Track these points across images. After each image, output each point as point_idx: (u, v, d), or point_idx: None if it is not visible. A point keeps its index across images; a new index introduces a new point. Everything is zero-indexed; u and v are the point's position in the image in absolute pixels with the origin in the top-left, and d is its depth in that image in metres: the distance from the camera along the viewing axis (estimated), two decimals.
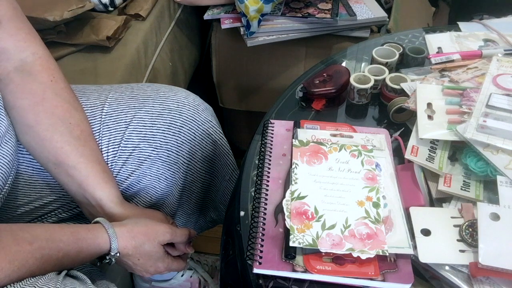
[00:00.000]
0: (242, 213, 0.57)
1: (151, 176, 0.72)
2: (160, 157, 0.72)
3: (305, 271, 0.49)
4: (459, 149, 0.59)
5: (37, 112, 0.63)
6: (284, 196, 0.55)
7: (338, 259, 0.50)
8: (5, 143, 0.61)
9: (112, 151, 0.70)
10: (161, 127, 0.71)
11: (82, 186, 0.64)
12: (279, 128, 0.65)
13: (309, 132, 0.63)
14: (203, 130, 0.76)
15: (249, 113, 1.33)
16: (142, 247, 0.62)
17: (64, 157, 0.63)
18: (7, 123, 0.62)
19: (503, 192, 0.52)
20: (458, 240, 0.50)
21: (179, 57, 1.21)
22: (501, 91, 0.62)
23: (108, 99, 0.72)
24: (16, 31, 0.62)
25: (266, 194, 0.56)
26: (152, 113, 0.72)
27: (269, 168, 0.59)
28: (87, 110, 0.69)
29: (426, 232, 0.51)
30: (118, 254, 0.59)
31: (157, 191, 0.74)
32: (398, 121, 0.68)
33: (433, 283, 0.49)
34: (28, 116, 0.63)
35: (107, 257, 0.59)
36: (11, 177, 0.63)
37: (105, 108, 0.71)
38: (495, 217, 0.50)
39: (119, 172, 0.71)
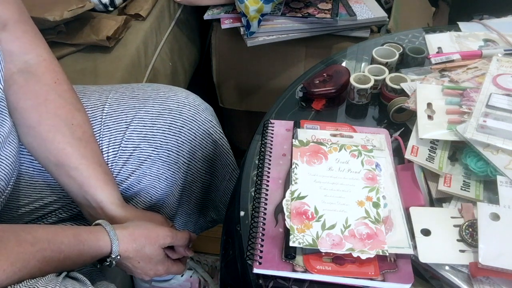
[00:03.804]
0: (242, 213, 0.57)
1: (151, 176, 0.72)
2: (161, 157, 0.72)
3: (305, 271, 0.49)
4: (459, 149, 0.59)
5: (40, 113, 0.63)
6: (284, 196, 0.55)
7: (338, 259, 0.50)
8: (8, 144, 0.61)
9: (113, 151, 0.70)
10: (162, 127, 0.72)
11: (83, 188, 0.64)
12: (279, 128, 0.65)
13: (309, 132, 0.63)
14: (204, 130, 0.76)
15: (249, 113, 1.33)
16: (143, 250, 0.62)
17: (65, 158, 0.63)
18: (10, 124, 0.62)
19: (503, 192, 0.52)
20: (458, 240, 0.50)
21: (179, 57, 1.21)
22: (501, 91, 0.62)
23: (109, 100, 0.72)
24: (22, 33, 0.62)
25: (266, 194, 0.56)
26: (153, 113, 0.72)
27: (269, 168, 0.59)
28: (88, 110, 0.69)
29: (426, 232, 0.51)
30: (119, 257, 0.59)
31: (157, 191, 0.74)
32: (398, 121, 0.68)
33: (433, 283, 0.49)
34: (30, 117, 0.63)
35: (108, 260, 0.59)
36: (13, 178, 0.63)
37: (105, 109, 0.71)
38: (495, 217, 0.50)
39: (120, 172, 0.71)
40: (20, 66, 0.63)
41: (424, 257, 0.48)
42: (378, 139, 0.62)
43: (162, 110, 0.72)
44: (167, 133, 0.72)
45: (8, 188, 0.62)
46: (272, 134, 0.64)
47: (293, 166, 0.58)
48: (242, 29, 1.08)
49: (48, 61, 0.65)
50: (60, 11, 0.96)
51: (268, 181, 0.58)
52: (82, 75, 0.97)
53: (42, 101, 0.63)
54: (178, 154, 0.73)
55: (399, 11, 1.14)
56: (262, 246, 0.51)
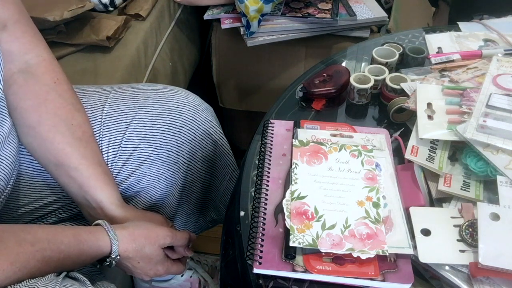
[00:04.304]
0: (242, 213, 0.57)
1: (151, 176, 0.72)
2: (160, 157, 0.72)
3: (305, 271, 0.49)
4: (459, 149, 0.59)
5: (40, 113, 0.63)
6: (284, 196, 0.55)
7: (338, 259, 0.50)
8: (8, 144, 0.61)
9: (112, 151, 0.70)
10: (161, 127, 0.71)
11: (83, 188, 0.64)
12: (279, 128, 0.65)
13: (309, 132, 0.63)
14: (203, 130, 0.76)
15: (249, 113, 1.33)
16: (143, 250, 0.62)
17: (65, 159, 0.63)
18: (10, 124, 0.62)
19: (503, 192, 0.52)
20: (458, 240, 0.50)
21: (179, 57, 1.21)
22: (501, 91, 0.62)
23: (108, 100, 0.72)
24: (21, 34, 0.62)
25: (266, 194, 0.56)
26: (152, 114, 0.72)
27: (269, 168, 0.59)
28: (88, 110, 0.69)
29: (426, 232, 0.51)
30: (118, 257, 0.59)
31: (157, 191, 0.74)
32: (398, 121, 0.68)
33: (433, 283, 0.49)
34: (30, 117, 0.63)
35: (108, 260, 0.59)
36: (13, 178, 0.63)
37: (105, 109, 0.71)
38: (495, 217, 0.50)
39: (119, 172, 0.71)
40: (20, 66, 0.63)
41: (424, 257, 0.48)
42: (378, 139, 0.62)
43: (162, 110, 0.72)
44: (167, 133, 0.72)
45: (8, 188, 0.62)
46: (272, 134, 0.64)
47: (293, 166, 0.58)
48: (242, 29, 1.08)
49: (48, 61, 0.65)
50: (60, 11, 0.96)
51: (268, 181, 0.58)
52: (82, 75, 0.97)
53: (42, 101, 0.63)
54: (178, 154, 0.73)
55: (399, 11, 1.14)
56: (262, 246, 0.51)
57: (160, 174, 0.73)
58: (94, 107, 0.71)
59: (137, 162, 0.71)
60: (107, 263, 0.59)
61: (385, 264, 0.49)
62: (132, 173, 0.71)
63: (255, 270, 0.50)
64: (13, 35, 0.62)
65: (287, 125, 0.65)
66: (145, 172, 0.72)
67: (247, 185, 0.61)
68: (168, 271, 0.67)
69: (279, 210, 0.55)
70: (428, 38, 0.82)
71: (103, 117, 0.70)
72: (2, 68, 0.58)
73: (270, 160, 0.60)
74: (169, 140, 0.72)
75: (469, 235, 0.50)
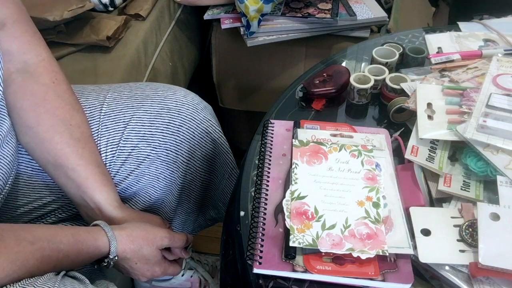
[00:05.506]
0: (242, 213, 0.57)
1: (150, 175, 0.72)
2: (159, 156, 0.72)
3: (305, 271, 0.49)
4: (459, 149, 0.59)
5: (38, 113, 0.63)
6: (284, 196, 0.55)
7: (338, 259, 0.50)
8: (7, 143, 0.61)
9: (111, 151, 0.70)
10: (160, 127, 0.71)
11: (81, 188, 0.64)
12: (279, 128, 0.65)
13: (309, 132, 0.63)
14: (202, 129, 0.76)
15: (249, 113, 1.33)
16: (141, 251, 0.62)
17: (63, 159, 0.63)
18: (9, 124, 0.62)
19: (503, 192, 0.52)
20: (458, 240, 0.50)
21: (179, 57, 1.21)
22: (501, 91, 0.62)
23: (107, 99, 0.72)
24: (20, 33, 0.62)
25: (266, 194, 0.56)
26: (151, 113, 0.72)
27: (269, 168, 0.59)
28: (86, 110, 0.69)
29: (426, 232, 0.51)
30: (116, 258, 0.59)
31: (156, 190, 0.74)
32: (398, 121, 0.68)
33: (433, 283, 0.49)
34: (28, 117, 0.63)
35: (106, 260, 0.59)
36: (11, 178, 0.63)
37: (103, 109, 0.71)
38: (495, 217, 0.50)
39: (118, 172, 0.71)
40: (18, 66, 0.63)
41: (424, 257, 0.48)
42: (378, 139, 0.62)
43: (161, 109, 0.72)
44: (166, 133, 0.72)
45: (6, 188, 0.62)
46: (272, 134, 0.64)
47: (293, 166, 0.58)
48: (242, 29, 1.08)
49: (47, 61, 0.65)
50: (60, 11, 0.96)
51: (268, 181, 0.58)
52: (82, 75, 0.97)
53: (41, 101, 0.63)
54: (177, 153, 0.73)
55: (399, 11, 1.14)
56: (262, 246, 0.51)
57: (159, 173, 0.73)
58: (92, 106, 0.71)
59: (136, 161, 0.71)
60: (105, 264, 0.59)
61: (385, 264, 0.49)
62: (131, 173, 0.71)
63: (255, 270, 0.50)
64: (12, 35, 0.61)
65: (287, 125, 0.65)
66: (144, 171, 0.72)
67: (247, 185, 0.61)
68: (165, 272, 0.67)
69: (279, 210, 0.55)
70: (428, 38, 0.82)
71: (101, 116, 0.70)
72: (2, 67, 0.58)
73: (270, 160, 0.60)
74: (168, 139, 0.72)
75: (469, 235, 0.50)
